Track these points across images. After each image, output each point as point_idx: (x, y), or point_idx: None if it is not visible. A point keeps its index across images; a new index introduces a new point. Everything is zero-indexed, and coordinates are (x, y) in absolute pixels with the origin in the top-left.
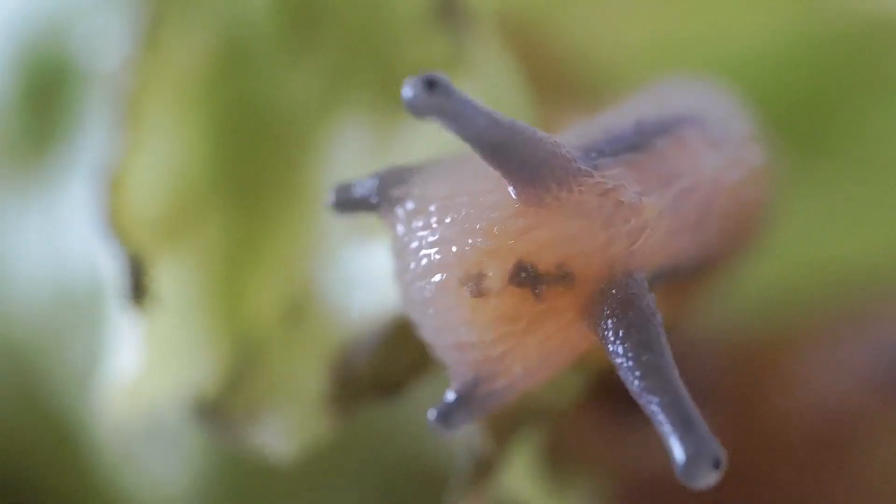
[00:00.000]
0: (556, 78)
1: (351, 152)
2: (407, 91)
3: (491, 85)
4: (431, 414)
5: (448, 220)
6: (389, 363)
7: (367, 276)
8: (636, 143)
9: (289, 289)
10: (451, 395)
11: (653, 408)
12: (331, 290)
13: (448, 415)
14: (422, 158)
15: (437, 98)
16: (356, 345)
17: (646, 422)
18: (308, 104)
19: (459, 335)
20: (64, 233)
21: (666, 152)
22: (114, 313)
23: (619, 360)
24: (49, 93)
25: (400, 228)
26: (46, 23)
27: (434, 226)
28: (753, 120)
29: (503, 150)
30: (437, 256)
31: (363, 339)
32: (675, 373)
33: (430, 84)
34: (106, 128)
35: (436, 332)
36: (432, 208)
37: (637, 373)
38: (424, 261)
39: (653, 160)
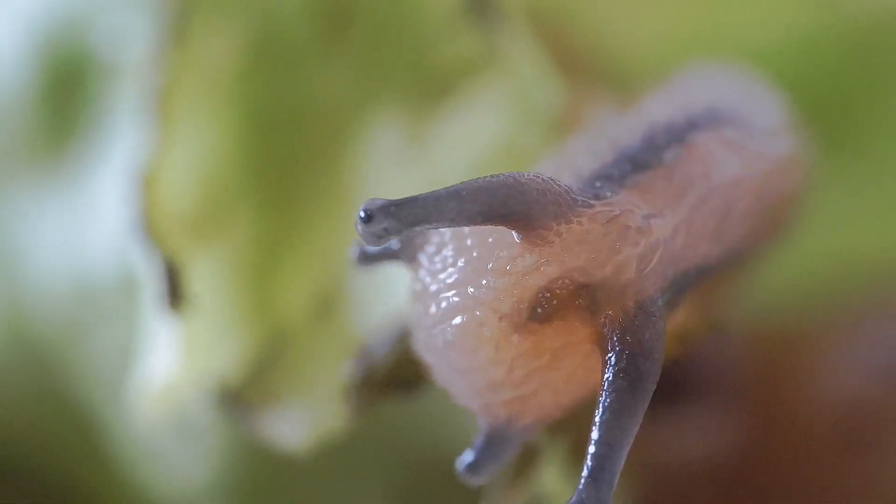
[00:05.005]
0: (579, 67)
1: (384, 148)
2: (356, 228)
3: (522, 79)
4: (460, 464)
5: (462, 262)
6: (408, 360)
7: (393, 274)
8: (645, 161)
9: (320, 282)
10: (481, 439)
11: (589, 448)
12: (359, 286)
13: (479, 461)
14: (454, 159)
15: (378, 224)
16: (379, 339)
17: (675, 417)
18: (340, 100)
19: (489, 375)
20: (85, 227)
21: (676, 165)
22: (143, 312)
23: (601, 394)
24: (69, 87)
25: (421, 273)
26: (67, 16)
27: (451, 268)
28: (783, 107)
29: (487, 214)
30: (456, 299)
31: (385, 335)
32: (628, 434)
33: (366, 217)
34: (135, 124)
35: (462, 376)
36: (448, 251)
37: (599, 414)
38: (444, 303)
39: (662, 176)
